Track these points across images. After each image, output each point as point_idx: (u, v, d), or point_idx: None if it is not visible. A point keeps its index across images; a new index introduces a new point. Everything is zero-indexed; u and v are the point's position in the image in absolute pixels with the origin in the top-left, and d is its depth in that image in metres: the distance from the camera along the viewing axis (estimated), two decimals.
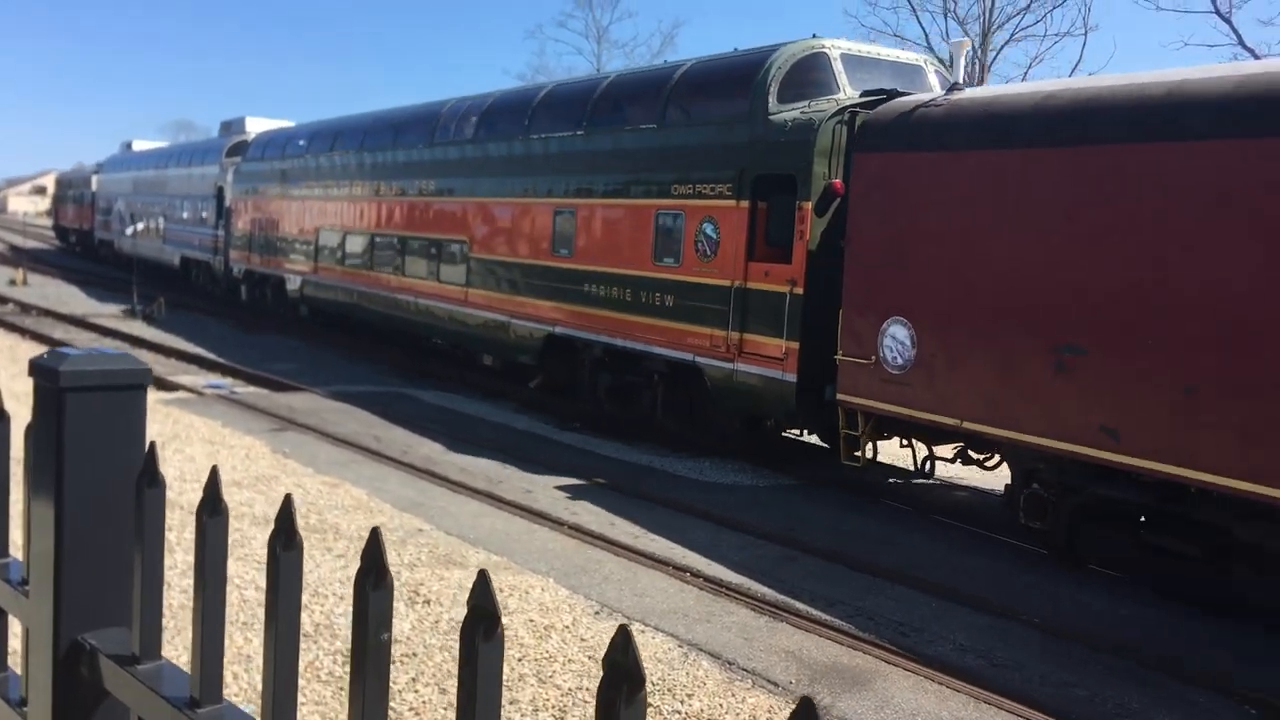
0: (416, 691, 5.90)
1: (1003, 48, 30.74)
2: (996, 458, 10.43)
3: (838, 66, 12.13)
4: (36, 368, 1.18)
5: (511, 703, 5.94)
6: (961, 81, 10.81)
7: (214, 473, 1.01)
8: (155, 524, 1.10)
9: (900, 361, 9.87)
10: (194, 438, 12.07)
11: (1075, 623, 7.82)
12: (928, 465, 10.83)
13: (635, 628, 7.19)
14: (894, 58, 13.10)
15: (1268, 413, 7.23)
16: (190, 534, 8.46)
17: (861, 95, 11.47)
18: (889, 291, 10.03)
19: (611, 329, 13.71)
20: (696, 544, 9.31)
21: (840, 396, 10.50)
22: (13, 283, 30.88)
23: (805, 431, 12.87)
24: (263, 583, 5.68)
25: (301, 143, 23.66)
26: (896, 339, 9.90)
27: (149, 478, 1.10)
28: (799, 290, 11.09)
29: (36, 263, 39.36)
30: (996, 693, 6.46)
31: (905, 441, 10.90)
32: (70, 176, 53.18)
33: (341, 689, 5.93)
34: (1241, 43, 25.52)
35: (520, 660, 6.47)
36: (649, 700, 6.08)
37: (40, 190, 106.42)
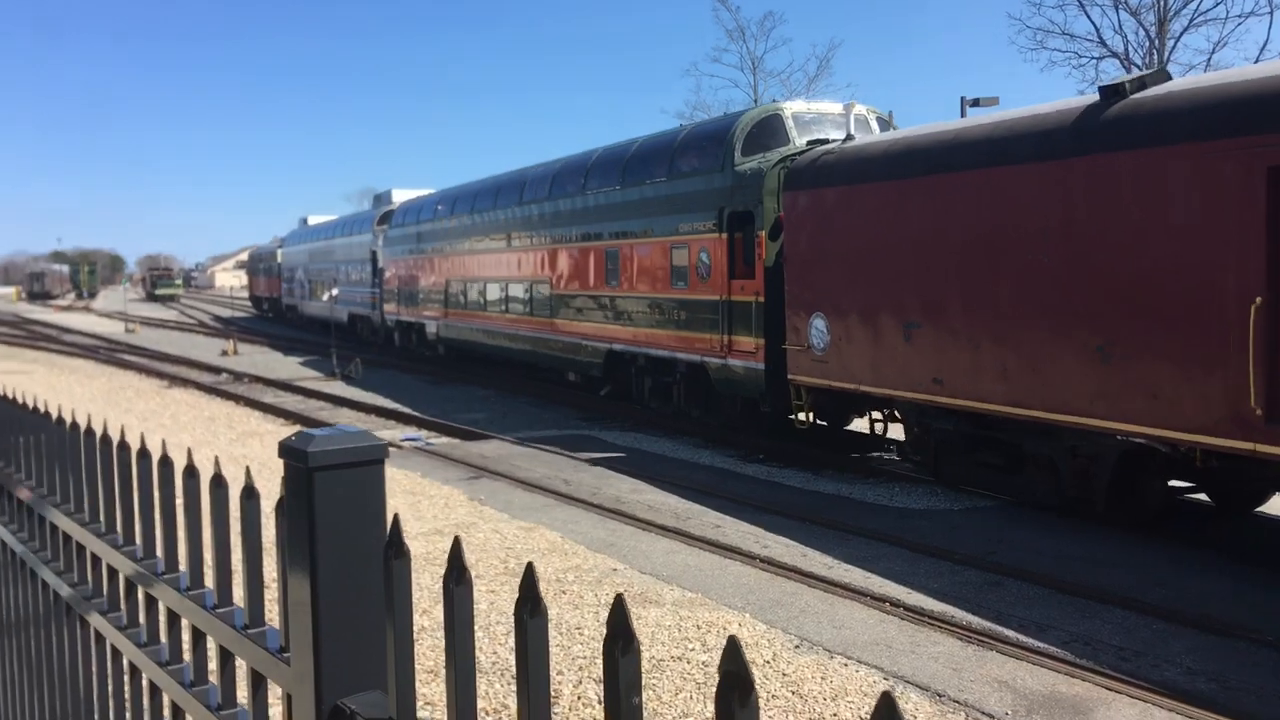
0: None
1: (1181, 35, 29.01)
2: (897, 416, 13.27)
3: (789, 124, 15.45)
4: (286, 449, 1.27)
5: None
6: (853, 133, 14.49)
7: (456, 542, 1.07)
8: (404, 592, 1.17)
9: (821, 345, 13.22)
10: (395, 489, 12.61)
11: None
12: (882, 429, 13.95)
13: (838, 661, 7.07)
14: (836, 111, 15.89)
15: (1014, 359, 10.54)
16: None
17: (806, 145, 14.76)
18: (812, 294, 13.31)
19: (647, 341, 17.28)
20: (893, 572, 9.10)
21: (790, 377, 13.80)
22: (224, 353, 33.11)
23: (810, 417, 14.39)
24: (491, 636, 5.84)
25: (431, 208, 27.54)
26: (819, 329, 13.24)
27: (395, 549, 1.17)
28: (761, 299, 14.32)
29: (243, 332, 42.09)
30: (1232, 717, 6.05)
31: (876, 416, 13.88)
32: (260, 251, 58.82)
33: None
34: None
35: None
36: None
37: (242, 265, 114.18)
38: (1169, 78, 9.88)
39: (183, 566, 1.75)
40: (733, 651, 0.74)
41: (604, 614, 8.00)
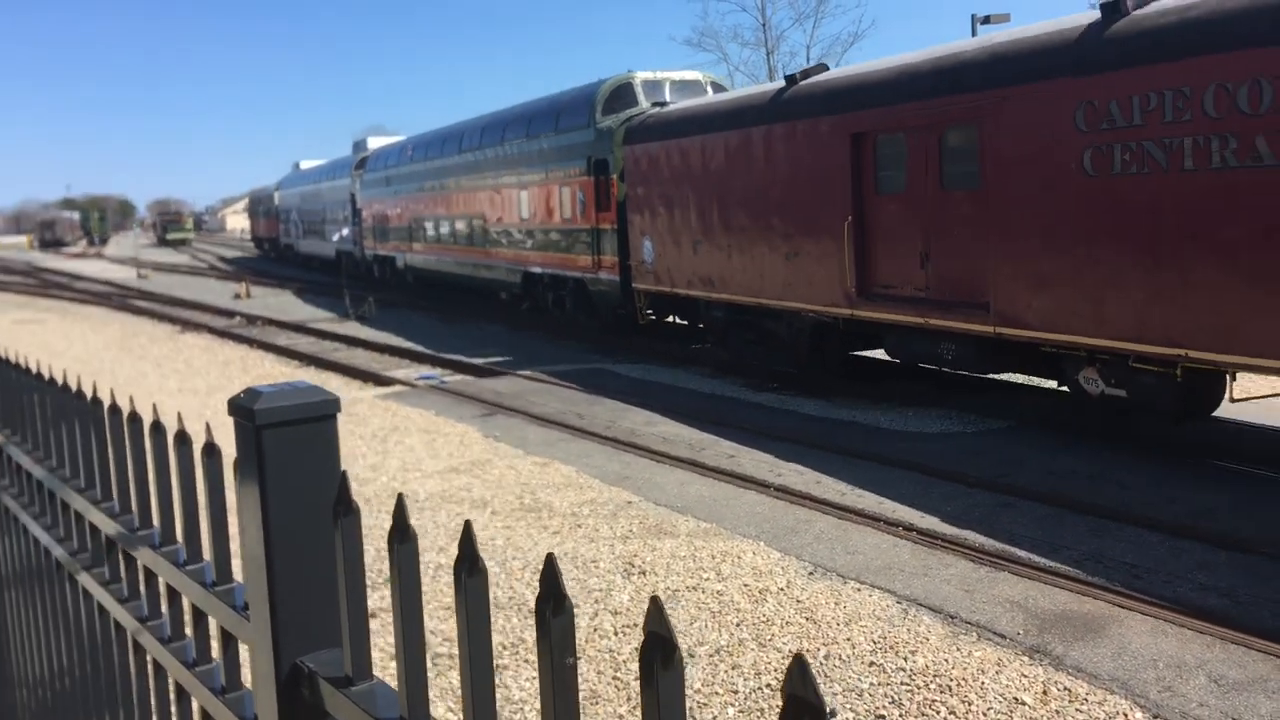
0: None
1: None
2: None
3: (639, 89, 19.39)
4: (234, 406, 1.24)
5: (734, 668, 5.99)
6: (667, 100, 18.90)
7: (400, 500, 1.04)
8: (353, 550, 1.14)
9: (649, 260, 17.41)
10: (411, 428, 12.68)
11: None
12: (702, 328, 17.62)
13: (851, 586, 7.11)
14: (680, 77, 20.03)
15: (750, 265, 14.75)
16: (425, 523, 8.90)
17: (651, 105, 18.74)
18: (643, 222, 17.56)
19: (531, 261, 21.91)
20: (906, 497, 9.12)
21: (633, 285, 18.00)
22: (237, 296, 33.19)
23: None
24: (508, 572, 5.88)
25: (397, 155, 31.31)
26: (648, 249, 17.39)
27: (344, 506, 1.14)
28: (614, 227, 18.59)
29: (256, 275, 42.14)
30: (1245, 631, 6.06)
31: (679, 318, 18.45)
32: (258, 194, 61.54)
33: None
34: None
35: (739, 625, 6.51)
36: (871, 659, 6.01)
37: None
38: (827, 68, 14.48)
39: (156, 523, 1.74)
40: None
41: (619, 547, 8.06)
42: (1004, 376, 12.80)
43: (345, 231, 37.46)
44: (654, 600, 0.74)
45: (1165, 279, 9.01)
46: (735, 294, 15.23)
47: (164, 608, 1.71)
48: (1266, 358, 8.33)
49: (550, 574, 0.83)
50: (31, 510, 2.44)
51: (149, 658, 1.78)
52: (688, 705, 5.61)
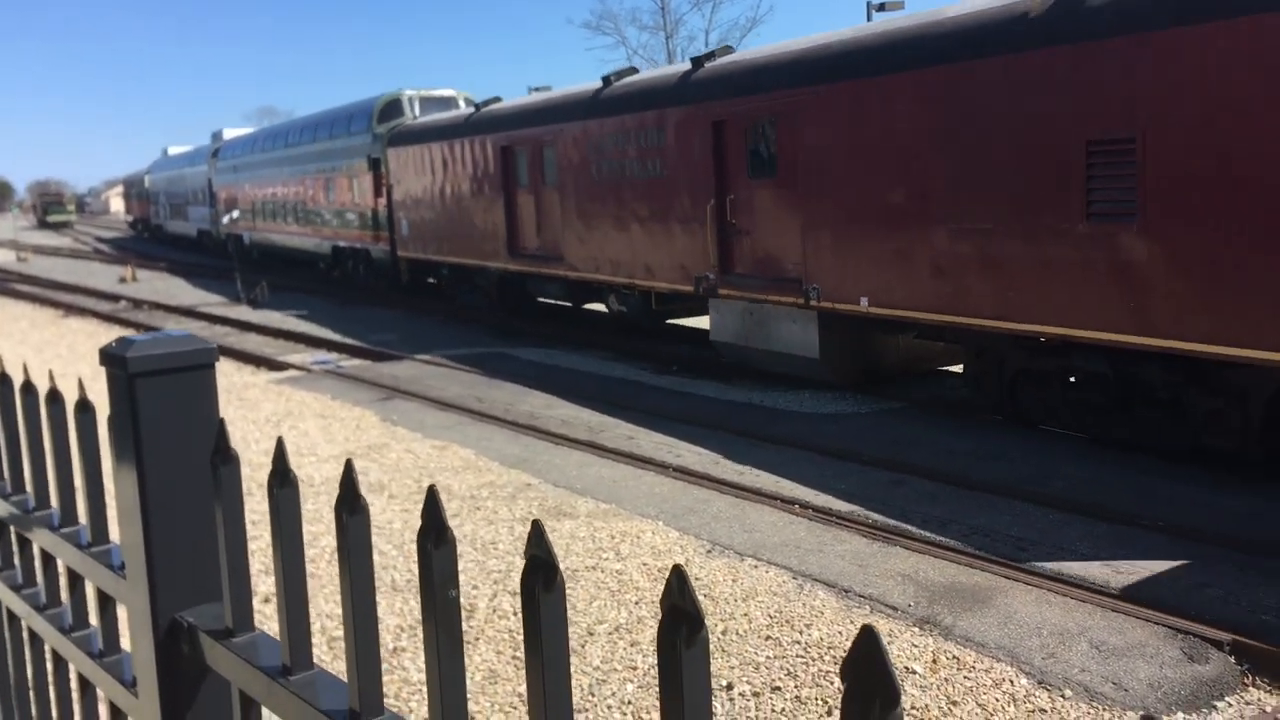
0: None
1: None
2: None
3: (406, 103, 24.66)
4: (106, 356, 1.20)
5: (633, 644, 6.03)
6: (416, 115, 24.27)
7: (280, 444, 1.02)
8: (233, 500, 1.11)
9: (407, 234, 22.76)
10: (307, 413, 12.42)
11: (1203, 523, 7.59)
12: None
13: (748, 563, 7.21)
14: (440, 94, 25.35)
15: (458, 237, 20.54)
16: (320, 508, 8.73)
17: (416, 116, 24.01)
18: (402, 206, 22.87)
19: (337, 236, 27.17)
20: (803, 476, 9.27)
21: (398, 253, 23.39)
22: (122, 280, 32.05)
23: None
24: (406, 555, 5.79)
25: (242, 147, 36.11)
26: (406, 224, 22.74)
27: (222, 455, 1.11)
28: (386, 210, 23.76)
29: (142, 258, 40.78)
30: (1125, 600, 6.33)
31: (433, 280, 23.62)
32: (132, 178, 66.50)
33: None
34: None
35: (638, 604, 6.55)
36: (768, 633, 6.10)
37: None
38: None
39: (28, 488, 1.68)
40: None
41: (519, 529, 8.03)
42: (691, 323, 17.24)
43: (203, 211, 42.18)
44: (535, 524, 0.74)
45: (628, 249, 15.41)
46: (454, 258, 20.89)
47: (39, 576, 1.65)
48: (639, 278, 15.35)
49: (432, 506, 0.82)
50: None
51: (24, 627, 1.72)
52: (588, 682, 5.63)
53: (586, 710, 5.41)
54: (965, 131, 9.88)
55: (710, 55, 14.36)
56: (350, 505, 0.91)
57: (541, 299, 19.74)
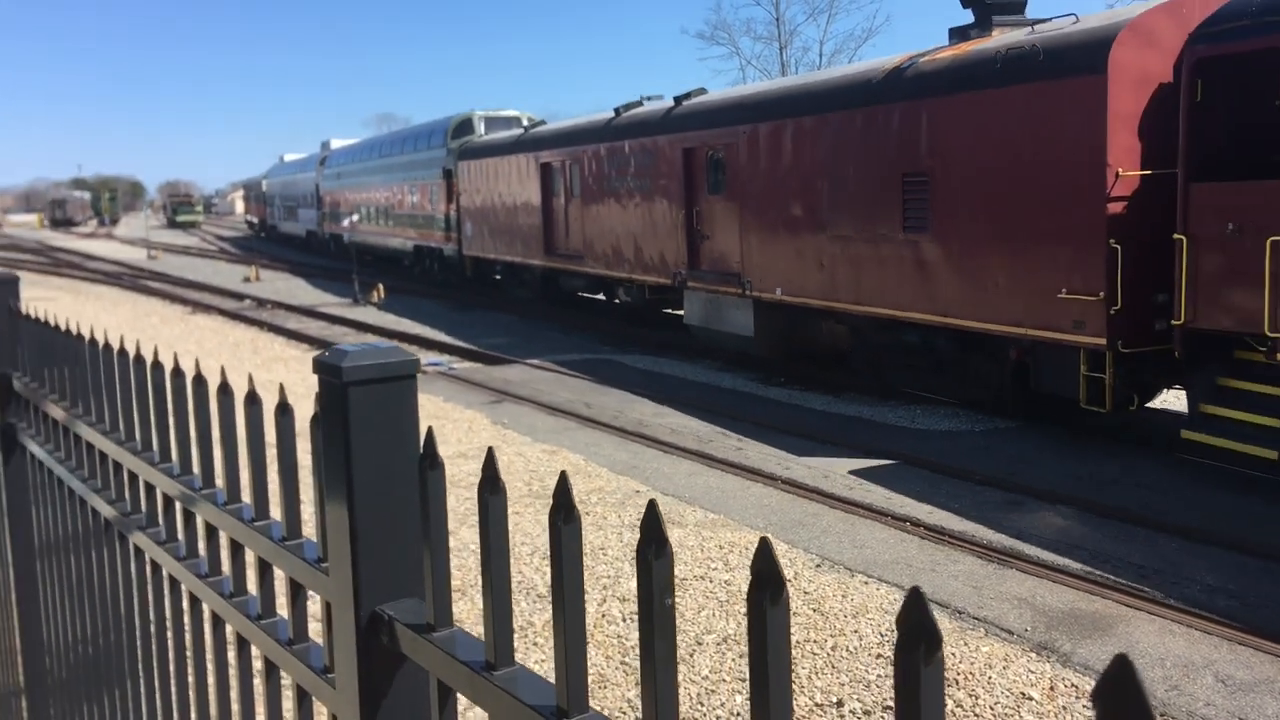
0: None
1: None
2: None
3: (477, 122, 28.16)
4: (320, 364, 1.29)
5: (741, 655, 6.05)
6: (483, 133, 27.64)
7: (490, 454, 1.09)
8: (438, 502, 1.19)
9: (470, 235, 26.57)
10: (420, 415, 12.70)
11: None
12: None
13: (859, 579, 7.16)
14: (506, 115, 28.40)
15: (507, 240, 24.51)
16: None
17: (484, 132, 27.66)
18: (469, 213, 26.55)
19: (418, 237, 31.14)
20: (915, 492, 9.17)
21: (464, 253, 27.20)
22: (246, 279, 33.25)
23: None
24: (516, 557, 5.91)
25: (345, 156, 40.57)
26: (470, 227, 26.57)
27: (430, 460, 1.19)
28: (456, 215, 27.49)
29: (266, 259, 42.24)
30: (1252, 633, 6.11)
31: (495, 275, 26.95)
32: (250, 182, 71.93)
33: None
34: None
35: (746, 615, 6.56)
36: (879, 651, 6.06)
37: None
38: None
39: (220, 482, 1.79)
40: (764, 552, 0.78)
41: (627, 535, 8.11)
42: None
43: (312, 214, 46.45)
44: (763, 540, 0.79)
45: (630, 250, 18.66)
46: (506, 256, 24.49)
47: (225, 566, 1.77)
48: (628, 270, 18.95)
49: (652, 519, 0.88)
50: (79, 474, 2.49)
51: (206, 610, 1.83)
52: (696, 691, 5.67)
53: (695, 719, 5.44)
54: (836, 162, 13.31)
55: (688, 95, 17.74)
56: (566, 515, 0.98)
57: (580, 293, 22.89)
